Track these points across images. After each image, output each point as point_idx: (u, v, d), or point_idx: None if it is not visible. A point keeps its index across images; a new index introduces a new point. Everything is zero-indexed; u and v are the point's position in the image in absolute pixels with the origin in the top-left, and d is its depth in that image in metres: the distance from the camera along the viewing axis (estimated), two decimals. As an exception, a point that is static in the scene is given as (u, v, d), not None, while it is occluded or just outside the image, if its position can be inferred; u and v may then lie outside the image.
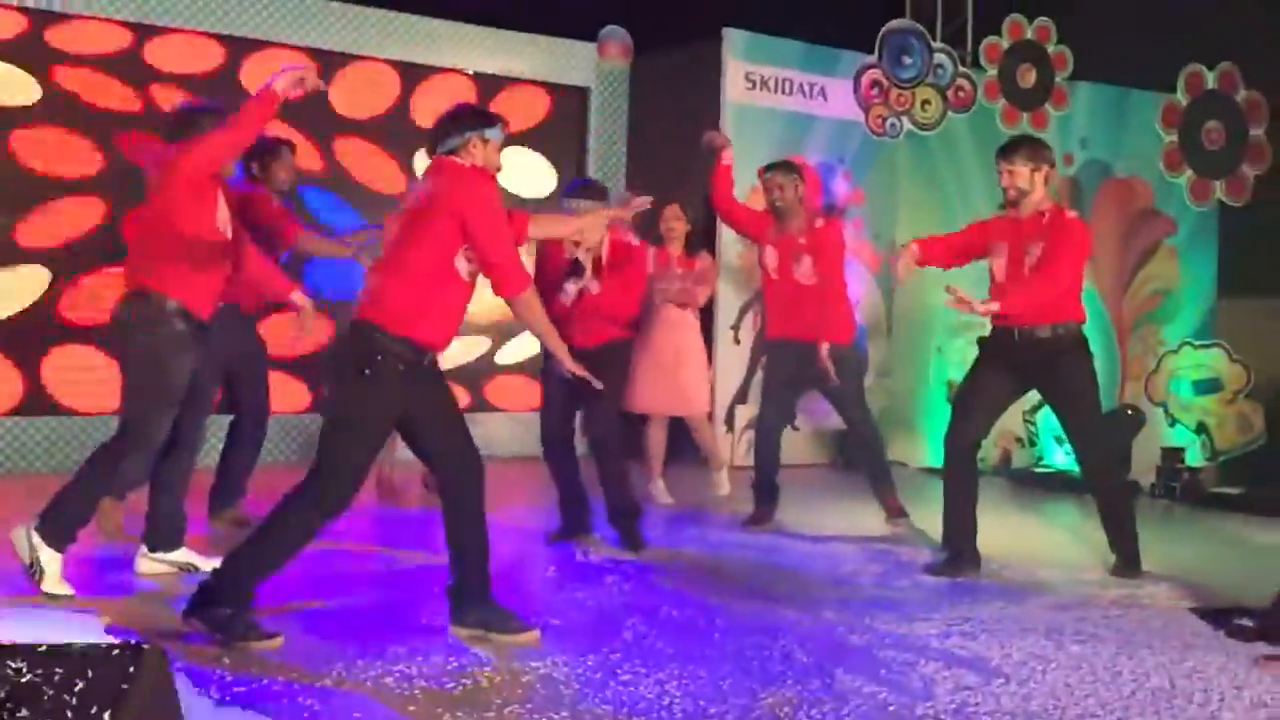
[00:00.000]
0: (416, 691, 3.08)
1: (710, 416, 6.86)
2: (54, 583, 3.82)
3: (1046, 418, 8.17)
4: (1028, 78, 8.14)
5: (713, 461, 6.56)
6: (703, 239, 6.79)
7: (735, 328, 7.76)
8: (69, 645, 2.00)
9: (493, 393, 7.94)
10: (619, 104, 8.22)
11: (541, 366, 5.21)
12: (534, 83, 8.01)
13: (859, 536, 5.51)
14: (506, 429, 7.69)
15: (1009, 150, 4.77)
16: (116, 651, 1.98)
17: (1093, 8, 8.38)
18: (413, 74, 7.60)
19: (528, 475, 6.43)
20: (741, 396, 7.76)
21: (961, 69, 8.06)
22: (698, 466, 6.67)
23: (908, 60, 7.91)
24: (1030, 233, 4.70)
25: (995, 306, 4.61)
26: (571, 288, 4.85)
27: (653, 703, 3.07)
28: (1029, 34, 8.12)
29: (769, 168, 5.87)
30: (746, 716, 2.99)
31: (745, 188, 7.78)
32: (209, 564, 3.92)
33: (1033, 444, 8.12)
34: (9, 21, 6.46)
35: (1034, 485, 7.45)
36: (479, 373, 7.85)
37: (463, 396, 7.70)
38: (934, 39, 8.10)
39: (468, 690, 3.11)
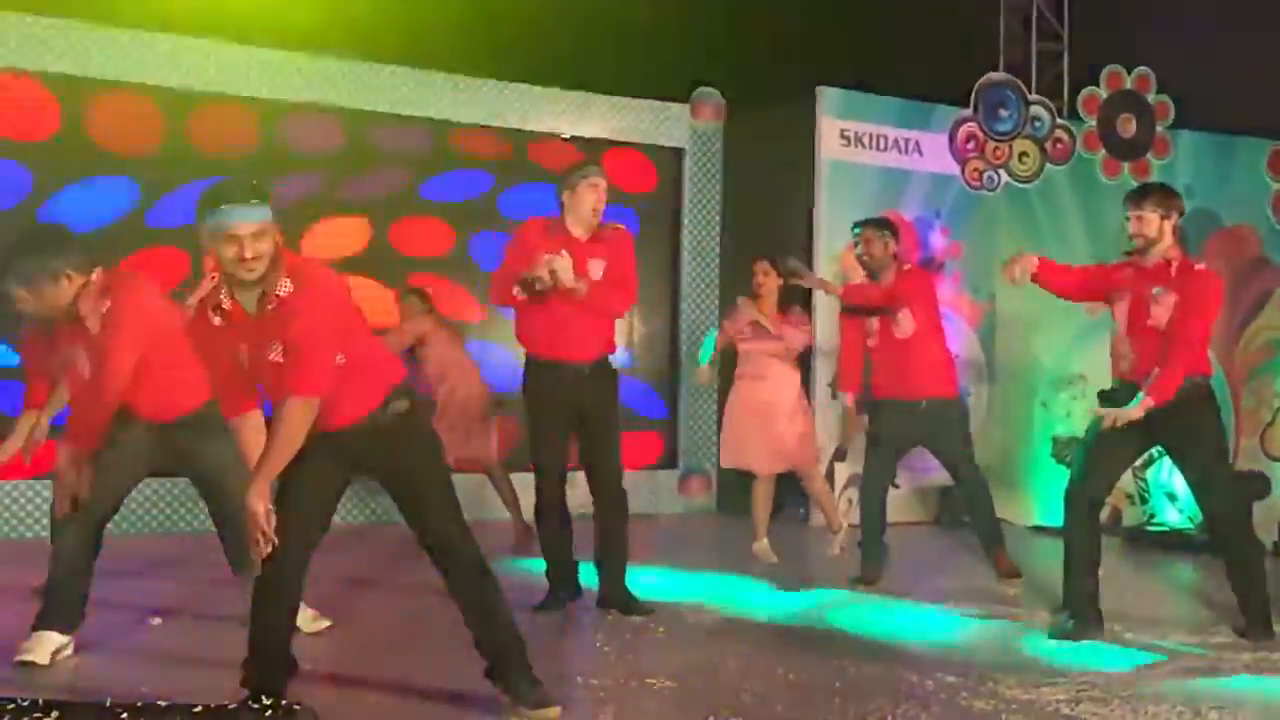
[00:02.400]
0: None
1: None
2: None
3: (1157, 474, 7.95)
4: (1128, 127, 8.04)
5: (831, 523, 6.40)
6: (799, 295, 6.78)
7: (833, 385, 7.69)
8: (223, 706, 2.03)
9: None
10: (713, 163, 8.28)
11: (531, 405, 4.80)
12: (629, 145, 8.12)
13: (972, 596, 5.37)
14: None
15: (1139, 197, 4.68)
16: (270, 712, 2.00)
17: (1194, 56, 8.25)
18: (514, 139, 7.76)
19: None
20: (841, 454, 7.67)
21: (1059, 120, 7.98)
22: (794, 524, 6.57)
23: (1004, 113, 7.87)
24: (1156, 281, 4.59)
25: (1150, 403, 4.43)
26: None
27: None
28: (1128, 84, 8.03)
29: (859, 224, 5.86)
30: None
31: (838, 244, 7.79)
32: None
33: (1144, 501, 7.88)
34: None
35: (1147, 544, 7.21)
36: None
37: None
38: (1030, 91, 8.06)
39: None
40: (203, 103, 6.93)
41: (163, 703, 2.04)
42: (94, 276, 3.81)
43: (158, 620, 4.46)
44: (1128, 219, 4.66)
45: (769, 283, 6.18)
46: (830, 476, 7.61)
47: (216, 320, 3.08)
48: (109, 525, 3.94)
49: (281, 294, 3.03)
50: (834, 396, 7.65)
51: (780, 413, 6.16)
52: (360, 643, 4.28)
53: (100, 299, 3.78)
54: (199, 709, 1.99)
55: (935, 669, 4.00)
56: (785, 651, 4.25)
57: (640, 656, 4.13)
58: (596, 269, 4.78)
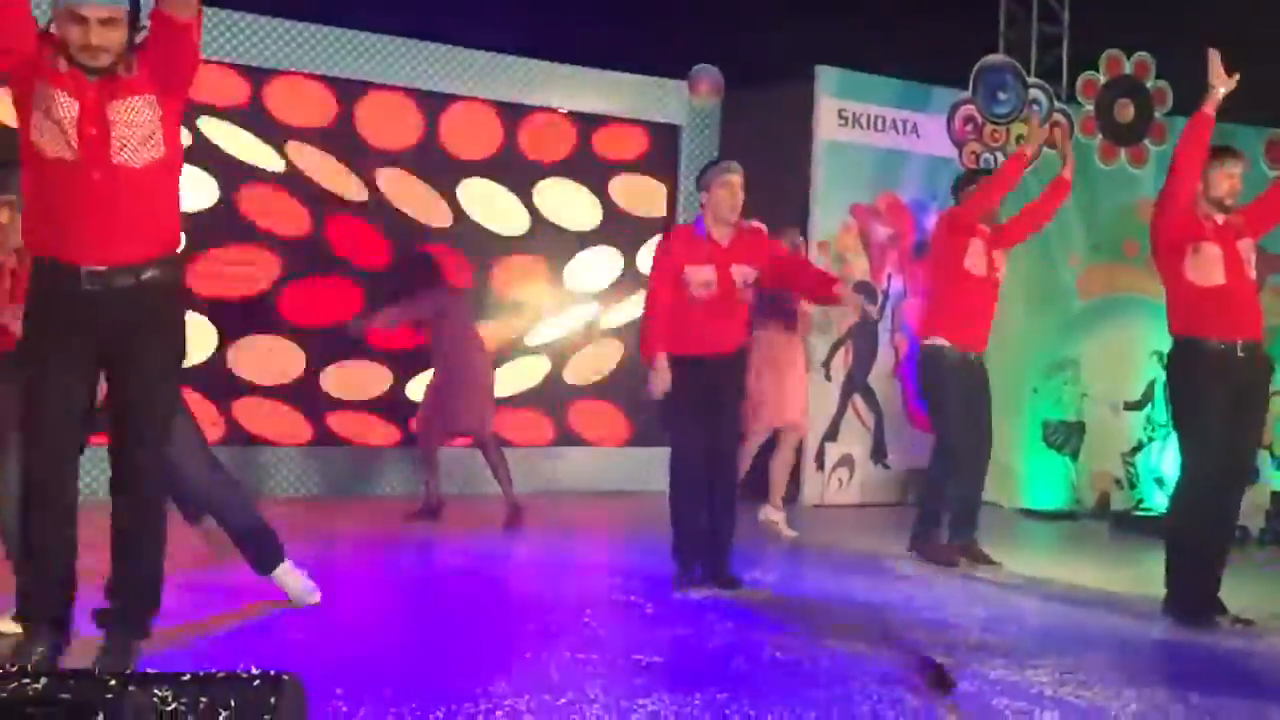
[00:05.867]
0: (527, 728, 3.08)
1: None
2: None
3: (1145, 459, 7.99)
4: (1126, 113, 8.02)
5: (774, 492, 6.38)
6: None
7: (826, 364, 7.71)
8: (212, 674, 2.03)
9: (576, 422, 7.94)
10: (710, 141, 8.25)
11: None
12: (627, 121, 8.08)
13: (967, 578, 5.40)
14: (589, 463, 7.74)
15: (1236, 152, 4.80)
16: (258, 682, 2.01)
17: (1192, 42, 8.21)
18: (511, 113, 7.71)
19: (614, 511, 6.44)
20: (832, 434, 7.69)
21: (1057, 104, 7.96)
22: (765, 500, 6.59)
23: (1003, 96, 7.84)
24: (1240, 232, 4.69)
25: None
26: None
27: (765, 745, 3.03)
28: (1127, 69, 8.00)
29: None
30: (861, 762, 2.94)
31: (835, 224, 7.78)
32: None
33: (1133, 486, 7.93)
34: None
35: (1135, 529, 7.24)
36: (557, 398, 7.87)
37: (547, 429, 7.77)
38: (1029, 74, 8.03)
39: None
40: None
41: (150, 671, 2.03)
42: None
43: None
44: (1223, 176, 4.68)
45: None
46: (820, 456, 7.64)
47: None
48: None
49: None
50: (828, 378, 7.68)
51: (792, 373, 6.30)
52: (349, 615, 4.30)
53: None
54: (186, 677, 1.99)
55: (922, 651, 4.02)
56: (769, 630, 4.26)
57: (629, 632, 4.15)
58: (741, 275, 4.82)
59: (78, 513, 3.13)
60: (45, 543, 3.05)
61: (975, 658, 3.95)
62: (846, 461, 7.73)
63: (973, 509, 5.72)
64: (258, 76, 6.97)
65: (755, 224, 5.05)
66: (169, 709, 1.95)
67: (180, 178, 3.25)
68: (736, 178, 4.85)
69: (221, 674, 2.04)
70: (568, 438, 7.85)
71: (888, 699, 3.45)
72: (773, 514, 6.30)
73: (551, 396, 7.81)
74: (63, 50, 3.02)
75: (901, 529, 6.44)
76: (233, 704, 1.96)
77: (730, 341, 4.85)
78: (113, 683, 1.98)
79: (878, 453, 7.84)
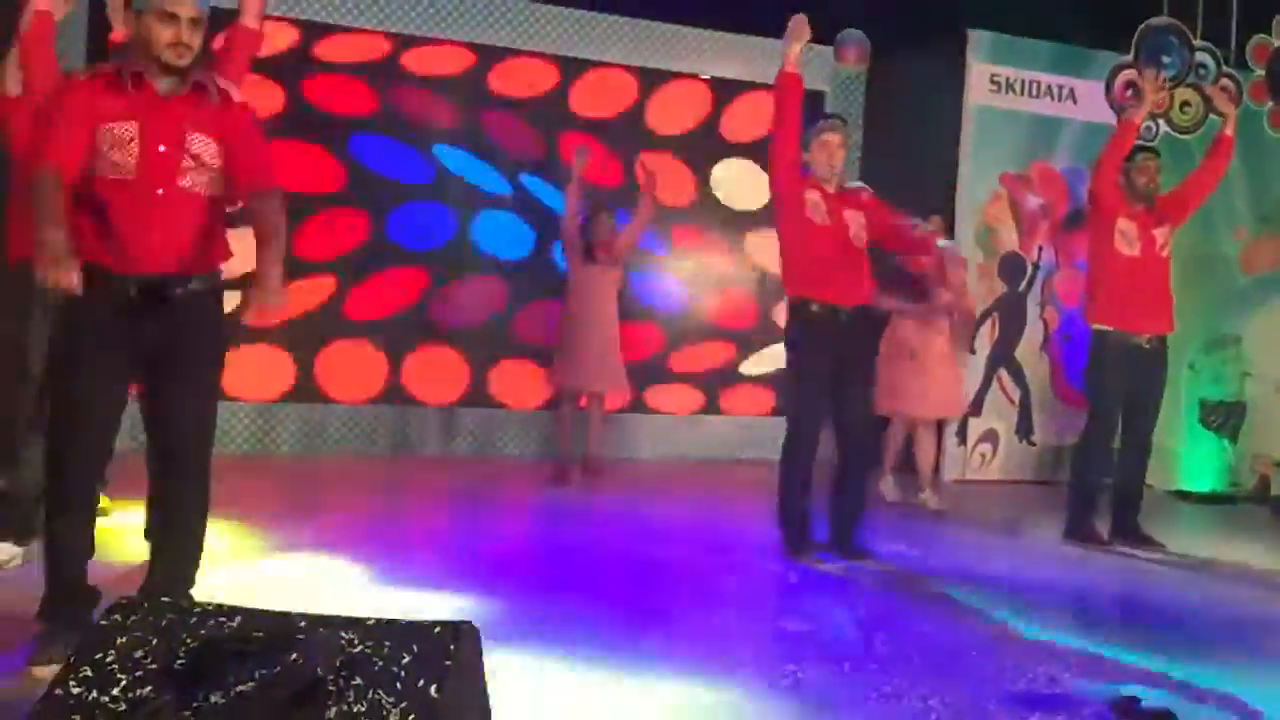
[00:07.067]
0: (677, 689, 3.11)
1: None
2: None
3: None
4: (1300, 78, 7.57)
5: (923, 472, 6.37)
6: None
7: (971, 338, 7.53)
8: (394, 620, 2.10)
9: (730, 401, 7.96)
10: (854, 108, 8.10)
11: (798, 356, 4.78)
12: (768, 87, 7.97)
13: (1127, 559, 5.25)
14: (736, 432, 7.74)
15: None
16: (438, 628, 2.07)
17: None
18: (650, 79, 7.71)
19: (755, 479, 6.41)
20: (976, 408, 7.52)
21: (1225, 69, 7.57)
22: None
23: (1166, 60, 7.48)
24: None
25: None
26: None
27: (917, 718, 3.00)
28: (1302, 31, 7.55)
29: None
30: (1018, 741, 2.89)
31: (984, 193, 7.56)
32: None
33: (1295, 470, 7.55)
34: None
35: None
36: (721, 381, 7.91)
37: (698, 399, 7.81)
38: (1195, 37, 7.65)
39: (722, 697, 3.12)
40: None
41: (334, 614, 2.11)
42: None
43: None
44: None
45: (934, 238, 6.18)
46: (963, 431, 7.48)
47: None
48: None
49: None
50: (972, 352, 7.50)
51: (937, 359, 6.22)
52: (497, 573, 4.40)
53: None
54: (371, 621, 2.07)
55: (1065, 627, 3.91)
56: (916, 603, 4.21)
57: (773, 601, 4.16)
58: (854, 221, 4.79)
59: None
60: (67, 546, 3.03)
61: (1140, 640, 3.84)
62: (990, 437, 7.56)
63: (1136, 492, 5.55)
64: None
65: (858, 184, 5.02)
66: (354, 651, 2.03)
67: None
68: (834, 136, 4.82)
69: (403, 620, 2.11)
70: (715, 407, 7.89)
71: (1045, 676, 3.38)
72: (919, 492, 6.31)
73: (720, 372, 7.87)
74: (142, 54, 3.00)
75: (1047, 507, 6.29)
76: (415, 649, 2.02)
77: (854, 294, 4.76)
78: (303, 623, 2.06)
79: (1023, 429, 7.63)
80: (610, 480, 6.54)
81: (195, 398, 3.13)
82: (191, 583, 3.15)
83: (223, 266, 3.20)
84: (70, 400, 3.01)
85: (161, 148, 2.98)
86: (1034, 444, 7.66)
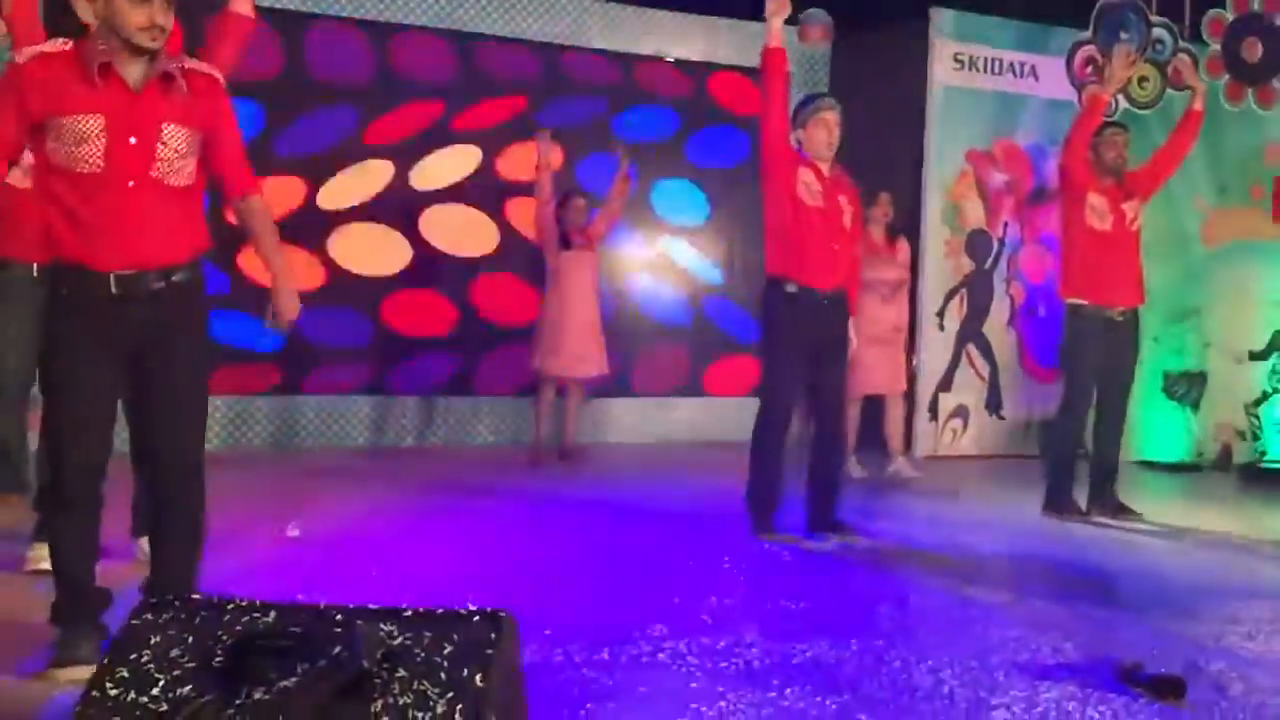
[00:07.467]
0: (693, 669, 3.11)
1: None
2: None
3: (1270, 410, 7.77)
4: (1254, 51, 7.70)
5: (893, 444, 6.57)
6: (905, 223, 6.78)
7: (940, 314, 7.60)
8: (432, 610, 2.07)
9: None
10: (819, 88, 8.11)
11: (775, 336, 4.81)
12: (734, 68, 7.98)
13: (1103, 529, 5.33)
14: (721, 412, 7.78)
15: None
16: (478, 618, 2.04)
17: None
18: (620, 63, 7.67)
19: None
20: (946, 384, 7.60)
21: (1182, 44, 7.68)
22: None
23: (1125, 35, 7.57)
24: None
25: None
26: None
27: (932, 691, 3.02)
28: (1255, 6, 7.68)
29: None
30: (1031, 710, 2.92)
31: (953, 169, 7.63)
32: None
33: (1256, 438, 7.72)
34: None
35: (1264, 481, 7.04)
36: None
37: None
38: (1151, 12, 7.75)
39: (741, 670, 3.12)
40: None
41: (372, 606, 2.08)
42: None
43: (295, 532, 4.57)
44: None
45: (879, 215, 6.29)
46: (934, 407, 7.55)
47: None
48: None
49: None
50: (941, 328, 7.57)
51: (883, 339, 6.35)
52: (496, 562, 4.37)
53: None
54: (409, 613, 2.03)
55: (1062, 598, 3.97)
56: (910, 577, 4.25)
57: (770, 578, 4.17)
58: (845, 206, 4.81)
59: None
60: (72, 546, 2.97)
61: (1133, 609, 3.91)
62: (960, 412, 7.64)
63: (1112, 463, 5.64)
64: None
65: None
66: (395, 643, 2.00)
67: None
68: (832, 115, 4.78)
69: (441, 611, 2.08)
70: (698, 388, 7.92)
71: (1048, 647, 3.43)
72: (893, 462, 6.38)
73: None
74: (110, 36, 2.84)
75: (1021, 480, 6.38)
76: (456, 639, 2.00)
77: (834, 277, 4.77)
78: (340, 617, 2.03)
79: (993, 403, 7.73)
80: (590, 464, 6.53)
81: (188, 391, 3.05)
82: (194, 579, 3.09)
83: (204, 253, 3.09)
84: (64, 400, 2.93)
85: (132, 139, 2.85)
86: (1003, 418, 7.76)
